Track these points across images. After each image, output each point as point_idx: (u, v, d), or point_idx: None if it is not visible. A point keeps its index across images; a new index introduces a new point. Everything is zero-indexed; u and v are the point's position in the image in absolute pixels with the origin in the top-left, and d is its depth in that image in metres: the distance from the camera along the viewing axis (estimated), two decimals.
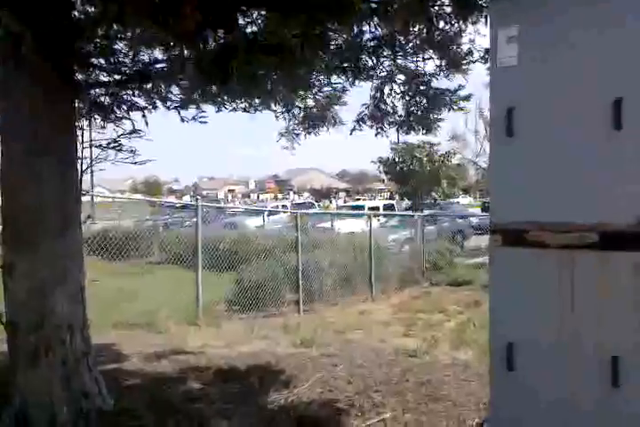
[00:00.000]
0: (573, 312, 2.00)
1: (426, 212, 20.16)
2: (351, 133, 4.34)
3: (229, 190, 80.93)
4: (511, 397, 2.17)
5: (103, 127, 3.67)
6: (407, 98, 4.18)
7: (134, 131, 3.56)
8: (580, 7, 1.98)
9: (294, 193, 68.17)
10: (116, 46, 3.42)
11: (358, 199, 50.18)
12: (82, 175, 3.54)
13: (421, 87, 4.08)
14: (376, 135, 4.34)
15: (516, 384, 2.14)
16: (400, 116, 4.35)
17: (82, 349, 3.54)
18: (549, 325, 2.06)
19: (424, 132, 4.48)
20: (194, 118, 3.66)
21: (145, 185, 65.33)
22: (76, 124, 3.53)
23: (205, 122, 3.60)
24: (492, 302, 2.24)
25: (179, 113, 3.60)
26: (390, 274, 12.99)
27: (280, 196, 65.62)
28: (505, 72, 2.17)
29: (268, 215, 21.54)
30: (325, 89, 4.02)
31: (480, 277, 13.24)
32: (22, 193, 3.35)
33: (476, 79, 4.52)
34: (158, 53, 3.51)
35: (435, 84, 4.09)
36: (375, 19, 3.54)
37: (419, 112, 4.22)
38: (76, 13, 3.25)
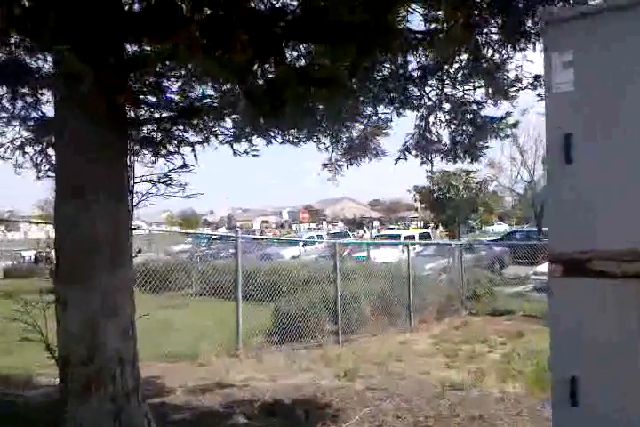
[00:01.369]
0: None
1: (463, 240, 19.94)
2: (396, 163, 4.32)
3: (263, 221, 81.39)
4: None
5: (154, 162, 3.73)
6: (453, 127, 4.16)
7: (184, 165, 3.61)
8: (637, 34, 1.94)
9: (328, 223, 68.17)
10: (166, 83, 3.49)
11: (392, 228, 49.82)
12: (133, 210, 3.58)
13: (468, 116, 4.06)
14: (421, 164, 4.32)
15: (581, 421, 2.04)
16: (445, 144, 4.33)
17: (132, 383, 3.53)
18: (616, 359, 1.98)
19: (470, 160, 4.44)
20: (246, 152, 3.69)
21: (183, 218, 66.21)
22: (127, 159, 3.59)
23: (257, 155, 3.63)
24: (552, 336, 2.15)
25: (231, 147, 3.64)
26: (429, 303, 12.79)
27: (313, 226, 65.69)
28: (561, 98, 2.13)
29: (303, 245, 21.54)
30: (373, 119, 4.03)
31: (520, 307, 12.99)
32: (76, 227, 3.39)
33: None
34: (207, 89, 3.58)
35: (481, 111, 4.07)
36: (420, 49, 3.56)
37: (465, 141, 4.19)
38: (129, 50, 3.33)
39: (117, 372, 3.45)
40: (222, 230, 43.03)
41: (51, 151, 4.21)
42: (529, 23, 3.25)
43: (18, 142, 4.03)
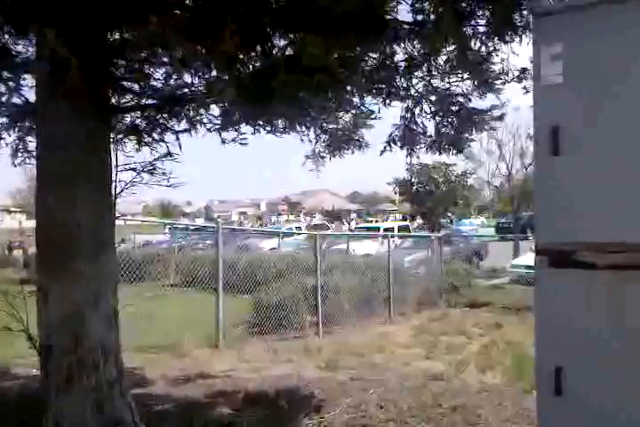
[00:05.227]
0: (625, 336, 1.93)
1: (442, 233, 20.09)
2: (381, 154, 4.32)
3: (241, 213, 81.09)
4: (560, 423, 2.09)
5: (138, 151, 3.67)
6: (438, 118, 4.17)
7: (168, 154, 3.56)
8: (630, 28, 1.95)
9: (305, 215, 68.07)
10: (151, 70, 3.44)
11: (370, 221, 49.90)
12: (116, 198, 3.53)
13: (453, 108, 4.07)
14: (407, 156, 4.33)
15: (565, 409, 2.06)
16: (430, 136, 4.33)
17: (115, 373, 3.49)
18: (600, 349, 2.00)
19: (454, 152, 4.45)
20: (234, 140, 3.65)
21: (161, 208, 65.59)
22: (111, 147, 3.53)
23: (246, 144, 3.59)
24: (537, 326, 2.17)
25: (219, 135, 3.59)
26: (408, 295, 12.86)
27: (292, 218, 65.58)
28: (550, 90, 2.13)
29: (282, 237, 21.48)
30: (359, 110, 4.00)
31: (498, 299, 13.15)
32: (57, 216, 3.34)
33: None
34: (190, 77, 3.52)
35: (467, 103, 4.07)
36: (408, 40, 3.54)
37: (451, 132, 4.20)
38: (115, 36, 3.26)
39: (100, 362, 3.41)
40: (200, 221, 42.65)
41: (29, 138, 4.13)
42: (517, 15, 3.26)
43: None
